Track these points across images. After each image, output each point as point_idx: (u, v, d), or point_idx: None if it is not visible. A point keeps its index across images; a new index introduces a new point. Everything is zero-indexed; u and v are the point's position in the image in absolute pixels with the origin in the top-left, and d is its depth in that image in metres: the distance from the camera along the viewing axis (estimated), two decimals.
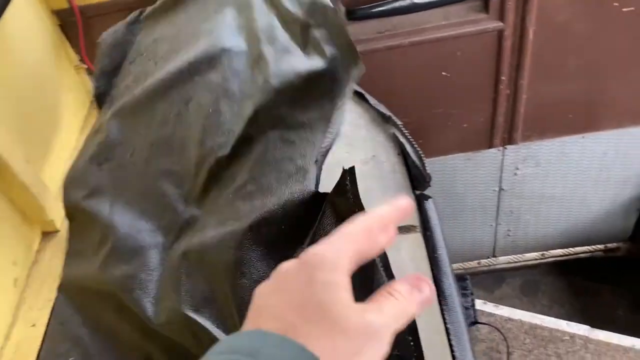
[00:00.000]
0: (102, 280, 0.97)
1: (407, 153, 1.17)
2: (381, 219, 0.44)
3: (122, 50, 1.28)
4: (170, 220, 0.95)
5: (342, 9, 0.98)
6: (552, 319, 1.91)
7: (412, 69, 1.75)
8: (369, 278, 0.89)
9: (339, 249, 0.41)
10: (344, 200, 0.77)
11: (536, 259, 2.52)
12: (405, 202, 0.47)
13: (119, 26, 1.30)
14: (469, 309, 1.89)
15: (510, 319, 1.93)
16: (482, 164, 2.09)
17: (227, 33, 1.06)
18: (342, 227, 0.44)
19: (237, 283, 0.85)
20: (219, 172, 0.93)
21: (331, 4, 0.93)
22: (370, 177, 1.12)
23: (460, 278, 1.98)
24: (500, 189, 2.20)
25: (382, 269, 0.85)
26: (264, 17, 1.03)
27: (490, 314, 1.95)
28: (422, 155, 1.21)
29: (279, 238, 0.85)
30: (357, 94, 1.38)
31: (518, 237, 2.42)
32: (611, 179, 2.18)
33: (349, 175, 0.79)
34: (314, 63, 0.89)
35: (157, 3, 1.29)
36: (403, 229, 1.18)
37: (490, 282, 2.49)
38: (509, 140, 2.01)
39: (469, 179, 2.15)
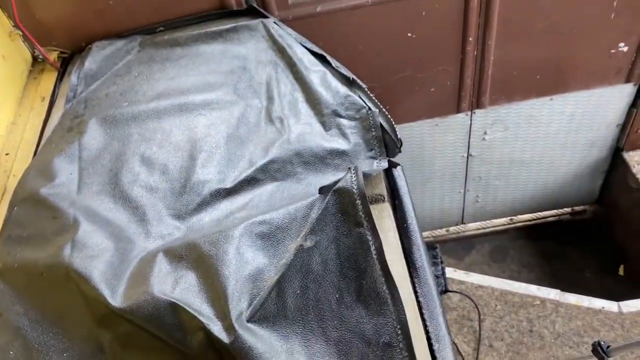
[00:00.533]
0: (56, 266, 0.91)
1: (374, 116, 1.10)
2: None
3: (113, 64, 1.39)
4: (145, 229, 1.00)
5: (377, 111, 1.18)
6: (523, 284, 1.90)
7: (377, 30, 1.66)
8: (362, 271, 0.85)
9: None
10: (349, 191, 0.86)
11: (505, 225, 2.51)
12: None
13: (119, 43, 1.43)
14: (440, 277, 1.86)
15: (480, 286, 1.90)
16: (450, 130, 2.04)
17: (244, 85, 1.24)
18: None
19: (231, 272, 0.87)
20: (212, 200, 1.03)
21: (370, 107, 1.15)
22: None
23: (430, 247, 1.95)
24: (469, 155, 2.16)
25: (377, 263, 0.83)
26: (289, 88, 1.22)
27: (461, 282, 1.92)
28: (392, 119, 1.14)
29: (274, 234, 0.91)
30: (319, 56, 1.31)
31: (487, 203, 2.40)
32: (579, 142, 2.16)
33: (354, 170, 0.87)
34: (338, 144, 1.10)
35: (164, 34, 1.43)
36: (370, 199, 1.12)
37: (459, 249, 2.47)
38: (477, 104, 1.95)
39: (437, 146, 2.10)
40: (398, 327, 0.79)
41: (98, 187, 1.12)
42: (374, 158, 1.09)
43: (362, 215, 0.84)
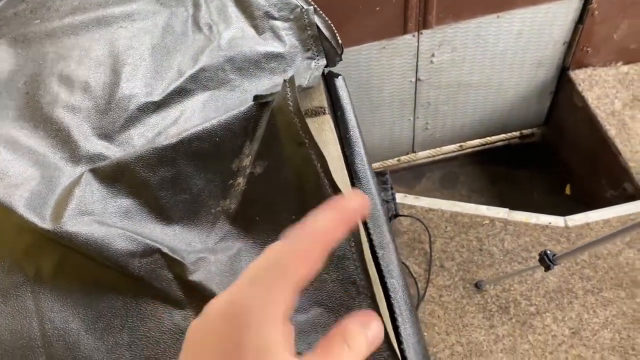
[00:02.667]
0: None
1: (308, 13, 1.02)
2: (324, 233, 0.33)
3: None
4: (71, 152, 0.93)
5: (311, 8, 1.09)
6: (473, 205, 1.91)
7: None
8: (313, 191, 0.80)
9: (269, 290, 0.32)
10: (285, 109, 0.79)
11: (455, 151, 2.51)
12: (357, 202, 0.33)
13: None
14: (390, 202, 1.84)
15: (431, 209, 1.90)
16: (397, 52, 1.97)
17: None
18: (273, 249, 0.35)
19: (179, 199, 0.86)
20: (141, 115, 0.96)
21: (304, 5, 1.05)
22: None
23: (379, 173, 1.91)
24: (417, 79, 2.11)
25: (326, 181, 0.78)
26: None
27: (412, 206, 1.91)
28: (332, 24, 1.06)
29: (214, 151, 0.86)
30: None
31: (436, 129, 2.38)
32: (526, 62, 2.14)
33: (289, 84, 0.80)
34: (273, 47, 1.02)
35: None
36: (310, 112, 1.06)
37: (410, 178, 2.47)
38: (424, 24, 1.89)
39: (385, 70, 2.04)
40: (352, 240, 0.75)
41: (14, 112, 1.04)
42: (311, 58, 1.02)
43: (303, 135, 0.78)
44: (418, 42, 1.95)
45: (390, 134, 2.34)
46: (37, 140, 0.98)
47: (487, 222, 1.86)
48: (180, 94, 1.02)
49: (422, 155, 2.51)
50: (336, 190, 0.78)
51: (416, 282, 1.75)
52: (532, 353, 1.59)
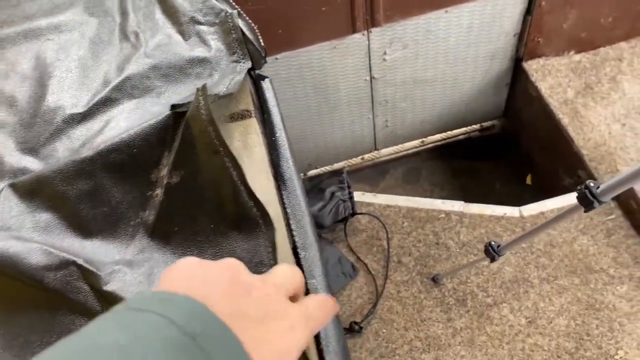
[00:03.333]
0: None
1: (232, 17, 1.03)
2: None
3: None
4: None
5: (235, 12, 1.05)
6: (428, 199, 1.92)
7: None
8: (231, 199, 0.80)
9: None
10: (199, 118, 0.78)
11: (417, 147, 2.52)
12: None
13: None
14: (347, 201, 1.85)
15: (388, 206, 1.91)
16: (349, 52, 1.98)
17: (95, 3, 1.15)
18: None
19: (98, 212, 0.86)
20: (66, 127, 0.96)
21: (228, 9, 1.05)
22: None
23: (336, 173, 1.92)
24: (372, 78, 2.11)
25: (243, 188, 0.79)
26: (144, 1, 1.13)
27: (370, 204, 1.92)
28: (255, 27, 1.06)
29: (132, 162, 0.87)
30: None
31: (396, 126, 2.39)
32: (479, 55, 2.15)
33: (202, 93, 0.79)
34: (198, 52, 1.02)
35: None
36: (236, 116, 1.06)
37: (374, 175, 2.48)
38: (373, 22, 1.90)
39: (339, 70, 2.04)
40: (269, 246, 0.76)
41: None
42: (237, 62, 1.03)
43: (217, 143, 0.78)
44: (368, 40, 1.96)
45: (351, 133, 2.35)
46: None
47: (443, 215, 1.87)
48: (105, 104, 1.01)
49: (385, 153, 2.52)
50: (253, 197, 0.78)
51: (374, 280, 1.76)
52: (489, 344, 1.61)
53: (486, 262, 1.74)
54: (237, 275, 0.42)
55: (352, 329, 1.66)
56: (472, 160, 2.47)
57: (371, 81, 2.12)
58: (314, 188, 1.88)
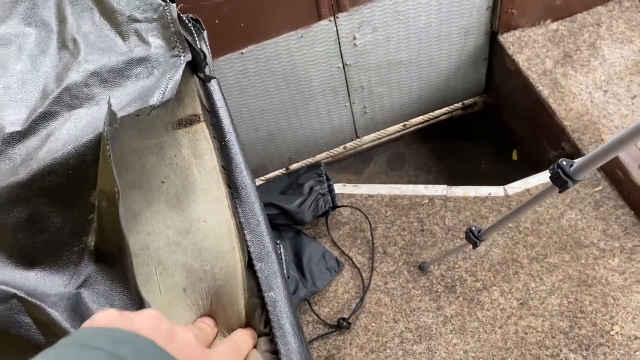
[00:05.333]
0: None
1: (170, 10, 0.97)
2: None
3: None
4: None
5: (173, 5, 1.02)
6: (411, 185, 1.86)
7: None
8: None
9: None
10: (105, 146, 0.74)
11: (399, 131, 2.46)
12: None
13: None
14: (326, 194, 1.79)
15: (370, 196, 1.86)
16: (317, 40, 1.91)
17: (32, 13, 1.11)
18: None
19: (38, 240, 0.81)
20: (6, 148, 0.88)
21: (165, 2, 1.00)
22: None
23: (313, 166, 1.87)
24: (345, 65, 2.05)
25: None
26: (81, 6, 1.08)
27: (351, 195, 1.86)
28: (193, 30, 1.00)
29: (69, 184, 0.81)
30: None
31: (375, 112, 2.33)
32: (453, 32, 2.09)
33: (109, 116, 0.76)
34: (137, 52, 0.97)
35: None
36: (184, 122, 1.00)
37: (358, 163, 2.42)
38: (338, 7, 1.83)
39: (309, 59, 1.98)
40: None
41: None
42: (177, 56, 0.96)
43: (109, 162, 0.72)
44: (336, 26, 1.89)
45: (330, 122, 2.29)
46: None
47: (427, 201, 1.82)
48: (45, 118, 0.95)
49: (367, 140, 2.46)
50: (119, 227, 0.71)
51: (360, 273, 1.71)
52: (482, 330, 1.56)
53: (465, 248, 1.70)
54: (158, 325, 0.45)
55: (340, 326, 1.61)
56: (457, 140, 2.41)
57: (344, 68, 2.06)
58: (292, 183, 1.82)
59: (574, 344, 1.49)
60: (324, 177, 1.82)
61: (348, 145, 2.45)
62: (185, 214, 0.87)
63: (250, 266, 0.82)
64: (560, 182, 0.94)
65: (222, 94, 1.03)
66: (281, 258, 0.89)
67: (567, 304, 1.56)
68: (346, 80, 2.12)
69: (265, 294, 0.79)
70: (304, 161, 2.41)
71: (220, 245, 0.82)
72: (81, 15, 1.10)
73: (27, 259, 0.82)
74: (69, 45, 1.05)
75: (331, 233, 1.81)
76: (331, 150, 2.44)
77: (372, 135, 2.45)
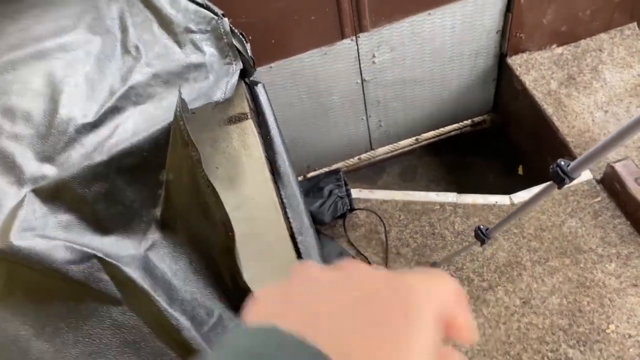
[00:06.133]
0: None
1: (223, 24, 1.13)
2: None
3: None
4: (16, 177, 1.01)
5: (226, 20, 1.18)
6: (423, 192, 2.00)
7: None
8: (198, 187, 0.89)
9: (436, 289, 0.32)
10: (177, 120, 0.89)
11: (411, 145, 2.61)
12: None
13: None
14: (344, 197, 1.94)
15: (385, 201, 2.00)
16: (339, 57, 2.08)
17: (97, 23, 1.25)
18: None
19: (113, 211, 0.96)
20: (78, 136, 1.05)
21: (217, 16, 1.16)
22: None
23: (333, 172, 2.02)
24: (363, 80, 2.21)
25: (201, 175, 0.87)
26: (141, 18, 1.23)
27: (367, 200, 2.01)
28: (245, 40, 1.16)
29: (143, 164, 0.97)
30: None
31: (390, 126, 2.48)
32: (464, 53, 2.25)
33: (179, 104, 0.91)
34: (194, 58, 1.13)
35: None
36: (234, 119, 1.15)
37: (371, 174, 2.56)
38: (360, 28, 2.00)
39: (331, 75, 2.14)
40: (227, 231, 0.84)
41: None
42: (229, 64, 1.13)
43: (185, 135, 0.87)
44: (357, 45, 2.06)
45: (347, 134, 2.44)
46: None
47: (438, 207, 1.96)
48: (112, 112, 1.11)
49: (381, 152, 2.61)
50: (208, 182, 0.85)
51: None
52: (487, 325, 1.68)
53: (480, 249, 1.83)
54: (309, 275, 0.32)
55: None
56: (466, 154, 2.55)
57: (362, 83, 2.22)
58: (312, 187, 1.97)
59: (573, 340, 1.61)
60: (343, 182, 1.96)
61: (363, 156, 2.60)
62: (237, 193, 1.02)
63: (292, 239, 0.97)
64: (559, 179, 1.08)
65: (267, 96, 1.18)
66: (317, 234, 1.03)
67: (566, 304, 1.68)
68: (364, 95, 2.28)
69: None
70: (320, 170, 2.56)
71: (269, 216, 0.96)
72: (141, 25, 1.27)
73: (104, 227, 0.98)
74: (131, 51, 1.22)
75: (348, 234, 1.95)
76: (347, 161, 2.59)
77: (386, 148, 2.60)
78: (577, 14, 2.22)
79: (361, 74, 2.18)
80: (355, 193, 2.02)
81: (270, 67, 2.01)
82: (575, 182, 1.89)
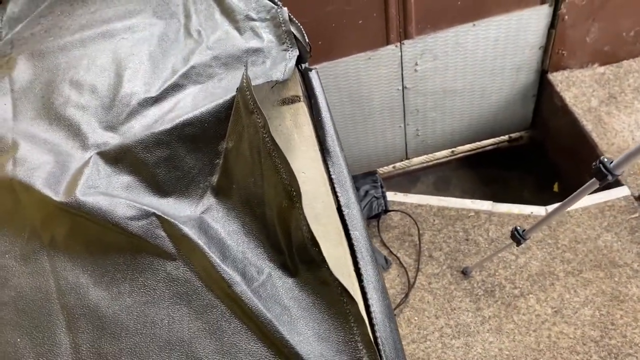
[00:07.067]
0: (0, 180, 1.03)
1: (282, 13, 1.20)
2: None
3: (35, 6, 1.45)
4: (81, 142, 1.08)
5: (285, 9, 1.25)
6: (459, 199, 2.03)
7: None
8: (259, 151, 0.94)
9: None
10: (245, 96, 0.94)
11: (447, 157, 2.64)
12: None
13: None
14: (380, 198, 1.97)
15: (419, 205, 2.02)
16: (382, 63, 2.13)
17: (162, 9, 1.35)
18: None
19: (173, 175, 1.02)
20: (141, 109, 1.11)
21: (276, 6, 1.23)
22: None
23: (370, 173, 2.06)
24: (404, 87, 2.26)
25: (268, 139, 0.92)
26: (204, 5, 1.31)
27: (402, 203, 2.04)
28: (302, 27, 1.22)
29: (203, 134, 1.02)
30: None
31: (427, 136, 2.52)
32: (506, 67, 2.28)
33: (245, 76, 0.96)
34: (253, 43, 1.19)
35: None
36: (287, 100, 1.21)
37: (406, 182, 2.59)
38: (405, 34, 2.05)
39: (373, 80, 2.20)
40: (292, 189, 0.88)
41: (32, 112, 1.22)
42: (286, 50, 1.19)
43: (251, 103, 0.93)
44: (401, 51, 2.11)
45: (384, 141, 2.49)
46: (51, 134, 1.15)
47: (473, 214, 1.98)
48: (174, 89, 1.18)
49: (416, 162, 2.64)
50: (275, 144, 0.90)
51: (407, 272, 1.87)
52: (517, 332, 1.69)
53: (513, 257, 1.84)
54: None
55: None
56: (501, 169, 2.57)
57: (403, 91, 2.27)
58: None
59: (604, 352, 1.60)
60: (379, 184, 2.00)
61: (398, 164, 2.63)
62: None
63: (339, 212, 1.01)
64: (601, 175, 1.10)
65: (320, 82, 1.24)
66: (362, 209, 1.08)
67: (599, 316, 1.67)
68: (404, 103, 2.32)
69: (352, 233, 0.97)
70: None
71: (318, 189, 1.01)
72: (204, 12, 1.35)
73: (163, 189, 1.04)
74: (193, 34, 1.30)
75: (382, 234, 1.98)
76: (382, 168, 2.63)
77: (422, 158, 2.63)
78: (620, 34, 2.23)
79: (403, 80, 2.23)
80: (390, 196, 2.06)
81: (315, 69, 2.07)
82: (612, 196, 1.90)
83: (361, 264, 0.93)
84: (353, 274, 0.91)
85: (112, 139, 1.12)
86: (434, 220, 1.98)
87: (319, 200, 1.02)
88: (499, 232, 1.91)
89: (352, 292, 0.87)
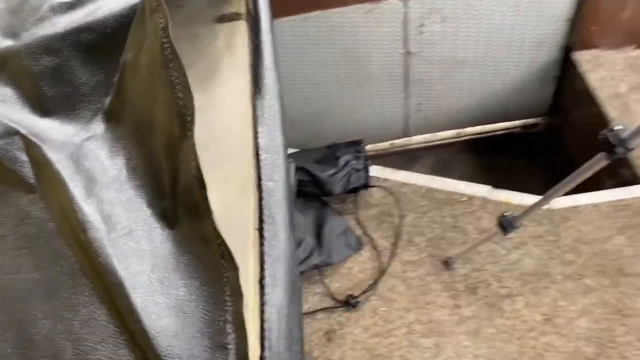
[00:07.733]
0: None
1: None
2: None
3: None
4: None
5: None
6: (452, 180, 1.78)
7: None
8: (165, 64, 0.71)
9: None
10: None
11: (452, 138, 2.38)
12: None
13: None
14: (360, 170, 1.74)
15: (406, 184, 1.78)
16: (384, 18, 1.88)
17: None
18: None
19: (59, 91, 0.83)
20: (51, 15, 0.90)
21: None
22: None
23: (354, 142, 1.82)
24: (407, 52, 2.00)
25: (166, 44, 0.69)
26: None
27: (386, 179, 1.80)
28: None
29: (104, 43, 0.84)
30: None
31: (430, 111, 2.26)
32: (525, 40, 2.00)
33: None
34: None
35: None
36: (225, 17, 0.98)
37: (402, 162, 2.34)
38: None
39: (373, 38, 1.94)
40: (186, 112, 0.65)
41: None
42: None
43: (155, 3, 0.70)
44: (405, 8, 1.85)
45: (382, 112, 2.24)
46: None
47: (465, 199, 1.73)
48: None
49: (417, 140, 2.38)
50: (176, 61, 0.66)
51: (380, 256, 1.63)
52: (497, 338, 1.45)
53: (505, 251, 1.59)
54: None
55: (348, 302, 1.54)
56: (509, 157, 2.30)
57: (406, 55, 2.01)
58: (329, 155, 1.77)
59: None
60: (362, 154, 1.76)
61: (396, 142, 2.38)
62: (205, 96, 0.85)
63: (256, 157, 0.78)
64: (609, 147, 0.85)
65: (269, 2, 1.00)
66: (290, 162, 0.85)
67: (597, 330, 1.42)
68: (406, 69, 2.07)
69: (265, 183, 0.75)
70: None
71: (234, 125, 0.79)
72: None
73: (44, 107, 0.83)
74: None
75: (358, 212, 1.74)
76: (377, 144, 2.38)
77: (423, 137, 2.37)
78: None
79: (406, 43, 1.97)
80: (377, 170, 1.82)
81: (307, 17, 1.83)
82: (630, 195, 1.63)
83: (267, 222, 0.70)
84: (252, 234, 0.69)
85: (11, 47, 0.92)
86: (420, 202, 1.74)
87: (231, 138, 0.79)
88: (492, 222, 1.65)
89: (242, 257, 0.65)
